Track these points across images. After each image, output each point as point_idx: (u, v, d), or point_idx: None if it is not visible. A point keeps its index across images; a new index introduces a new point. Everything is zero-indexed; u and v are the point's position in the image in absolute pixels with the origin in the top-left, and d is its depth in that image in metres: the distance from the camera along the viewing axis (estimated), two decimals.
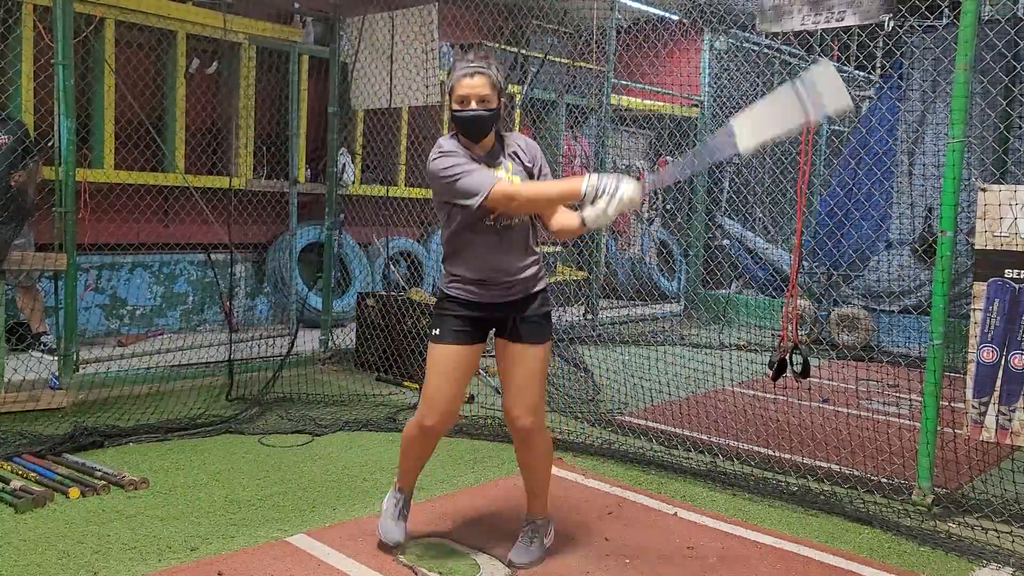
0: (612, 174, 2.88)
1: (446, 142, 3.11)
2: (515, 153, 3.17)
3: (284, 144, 7.81)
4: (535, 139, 10.29)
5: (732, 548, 3.52)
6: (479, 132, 3.08)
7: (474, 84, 3.03)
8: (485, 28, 9.01)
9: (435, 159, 3.06)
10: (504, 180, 3.02)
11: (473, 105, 3.03)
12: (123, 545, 3.28)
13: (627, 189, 2.82)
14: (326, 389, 5.85)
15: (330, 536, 3.44)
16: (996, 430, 3.79)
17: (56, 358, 5.56)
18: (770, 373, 4.41)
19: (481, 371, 6.48)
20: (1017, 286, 3.72)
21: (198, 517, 3.60)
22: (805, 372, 4.42)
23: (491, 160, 3.12)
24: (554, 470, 4.32)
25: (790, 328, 4.47)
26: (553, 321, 3.26)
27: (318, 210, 7.75)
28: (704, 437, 4.90)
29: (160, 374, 5.78)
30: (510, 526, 3.60)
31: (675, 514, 3.86)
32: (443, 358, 3.14)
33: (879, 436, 4.92)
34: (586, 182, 2.87)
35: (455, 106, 3.06)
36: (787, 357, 4.40)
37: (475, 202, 2.95)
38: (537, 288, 3.18)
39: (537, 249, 3.20)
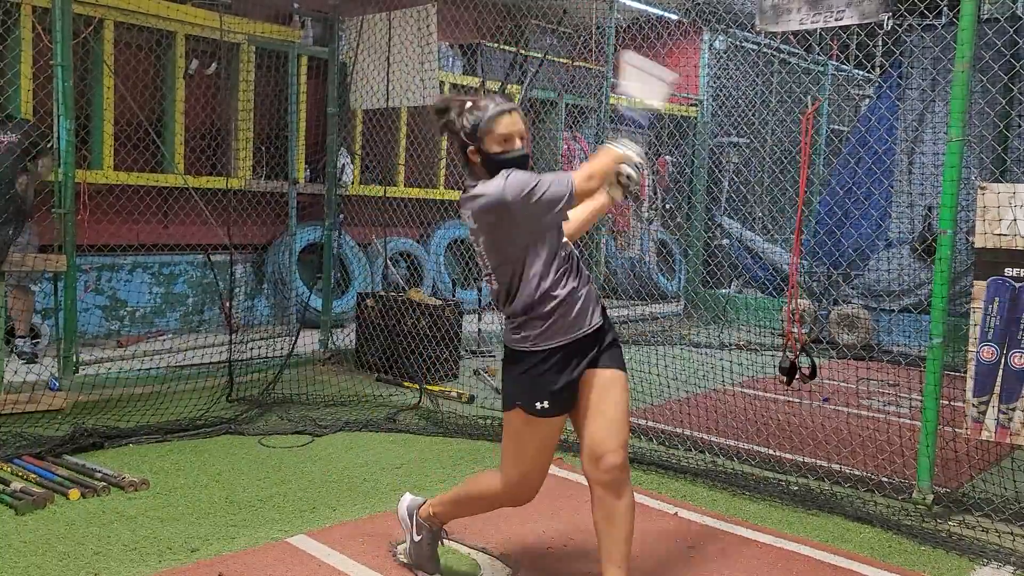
0: (614, 144, 2.76)
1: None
2: None
3: (283, 145, 7.81)
4: (534, 139, 10.32)
5: (733, 548, 3.52)
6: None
7: (515, 121, 2.71)
8: (484, 28, 9.01)
9: (502, 183, 2.60)
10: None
11: (518, 144, 2.70)
12: (123, 546, 3.28)
13: (628, 146, 2.74)
14: (326, 390, 5.85)
15: (331, 537, 3.44)
16: (996, 429, 3.79)
17: (38, 363, 5.55)
18: (782, 378, 4.39)
19: (481, 371, 6.48)
20: (1017, 285, 3.72)
21: (198, 518, 3.60)
22: (812, 374, 4.42)
23: None
24: (554, 470, 4.33)
25: (795, 329, 4.46)
26: None
27: (317, 210, 7.75)
28: (704, 437, 4.90)
29: (160, 375, 5.78)
30: (510, 526, 3.60)
31: (675, 514, 3.86)
32: (548, 432, 2.79)
33: (879, 435, 4.92)
34: (617, 148, 2.74)
35: (495, 148, 2.68)
36: (796, 360, 4.39)
37: (568, 197, 2.62)
38: (608, 316, 2.87)
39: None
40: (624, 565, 2.74)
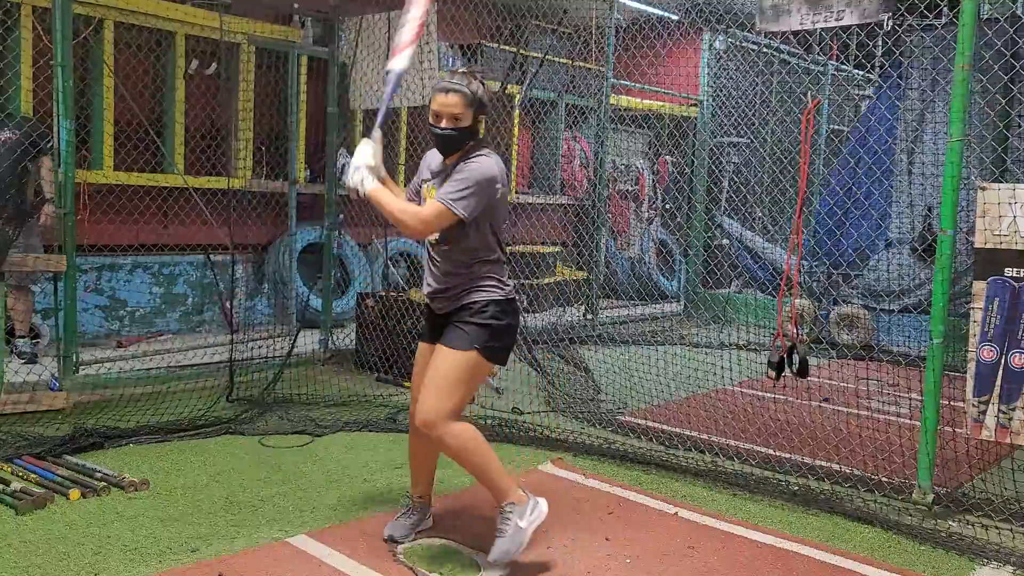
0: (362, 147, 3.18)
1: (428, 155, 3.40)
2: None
3: (283, 145, 7.81)
4: (534, 139, 10.31)
5: (733, 548, 3.52)
6: (445, 149, 3.21)
7: (446, 102, 3.12)
8: (484, 28, 9.01)
9: (416, 178, 3.44)
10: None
11: (443, 123, 3.14)
12: (123, 547, 3.28)
13: (358, 157, 3.18)
14: (326, 390, 5.85)
15: (331, 537, 3.44)
16: (996, 429, 3.79)
17: (38, 363, 5.53)
18: (772, 374, 4.41)
19: None
20: (1017, 285, 3.72)
21: (199, 518, 3.60)
22: (803, 371, 4.42)
23: (440, 177, 3.27)
24: (554, 470, 4.35)
25: (786, 327, 4.46)
26: (496, 335, 3.24)
27: (317, 211, 7.75)
28: (704, 437, 4.90)
29: (160, 375, 5.78)
30: None
31: (675, 514, 3.86)
32: (417, 354, 3.46)
33: (879, 435, 4.92)
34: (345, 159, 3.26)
35: (430, 119, 3.18)
36: (785, 356, 4.40)
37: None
38: (468, 301, 3.24)
39: (475, 266, 3.24)
40: (487, 483, 3.29)
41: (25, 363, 5.68)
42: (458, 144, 3.18)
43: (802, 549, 3.53)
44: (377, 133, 3.22)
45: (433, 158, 3.36)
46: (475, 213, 3.13)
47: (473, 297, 3.23)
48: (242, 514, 3.66)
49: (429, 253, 3.34)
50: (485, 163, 3.17)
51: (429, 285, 3.34)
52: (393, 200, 3.19)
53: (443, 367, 3.17)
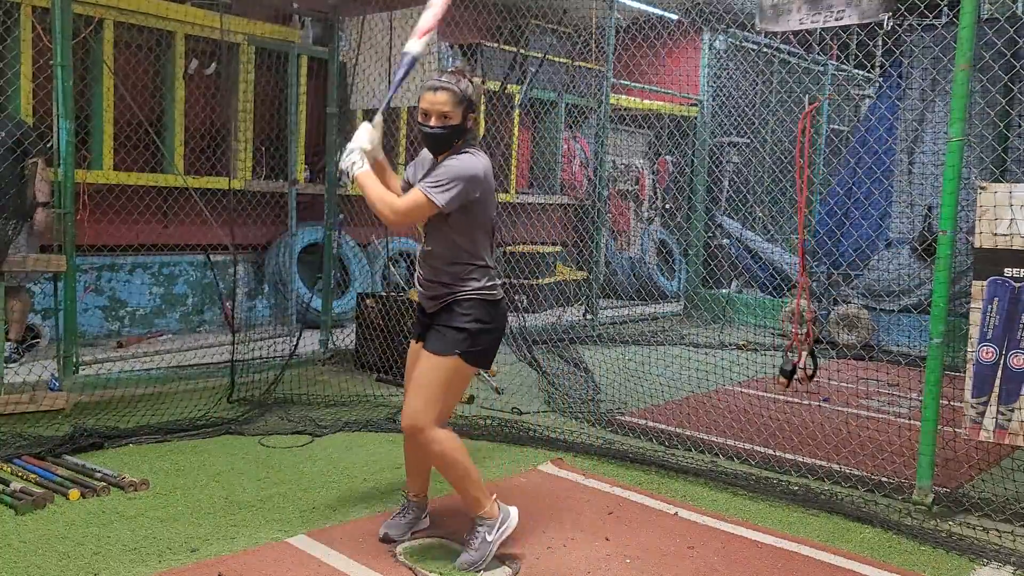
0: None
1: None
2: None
3: (283, 145, 7.81)
4: (534, 139, 10.31)
5: (733, 548, 3.52)
6: (435, 148, 3.21)
7: (435, 100, 3.11)
8: (484, 28, 9.01)
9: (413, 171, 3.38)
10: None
11: (432, 122, 3.13)
12: (123, 547, 3.28)
13: (355, 140, 3.18)
14: (326, 390, 5.84)
15: (331, 537, 3.44)
16: (995, 430, 3.79)
17: (18, 364, 5.54)
18: (782, 380, 4.38)
19: (481, 371, 6.47)
20: (1017, 285, 3.72)
21: (198, 518, 3.60)
22: (813, 374, 4.41)
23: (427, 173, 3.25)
24: (554, 470, 4.35)
25: (802, 330, 4.43)
26: (479, 340, 3.19)
27: (317, 211, 7.75)
28: (704, 437, 4.90)
29: (160, 376, 5.78)
30: None
31: (675, 514, 3.86)
32: (409, 351, 3.43)
33: (879, 435, 4.92)
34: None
35: (419, 118, 3.16)
36: (802, 363, 4.37)
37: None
38: (451, 300, 3.20)
39: (459, 268, 3.19)
40: (462, 492, 3.26)
41: (17, 364, 5.65)
42: (447, 143, 3.16)
43: (802, 549, 3.53)
44: (378, 118, 3.21)
45: (425, 157, 3.35)
46: (453, 206, 3.07)
47: (457, 299, 3.19)
48: (242, 514, 3.66)
49: (420, 253, 3.33)
50: (468, 160, 3.12)
51: (419, 284, 3.33)
52: (377, 187, 3.15)
53: (426, 373, 3.18)
